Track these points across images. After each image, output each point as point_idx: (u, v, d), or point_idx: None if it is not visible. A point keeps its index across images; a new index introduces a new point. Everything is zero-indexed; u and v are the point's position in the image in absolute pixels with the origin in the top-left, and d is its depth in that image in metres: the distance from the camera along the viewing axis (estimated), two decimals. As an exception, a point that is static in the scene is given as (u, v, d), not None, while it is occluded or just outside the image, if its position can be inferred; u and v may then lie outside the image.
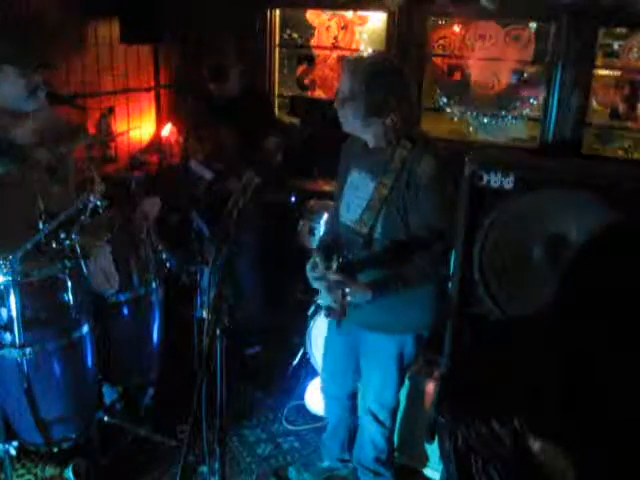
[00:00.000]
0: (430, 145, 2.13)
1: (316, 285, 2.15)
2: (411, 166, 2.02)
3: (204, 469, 2.60)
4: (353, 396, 2.56)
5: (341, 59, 4.95)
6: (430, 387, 2.60)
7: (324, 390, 2.66)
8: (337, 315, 1.97)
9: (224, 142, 3.30)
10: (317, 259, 2.12)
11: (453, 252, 2.17)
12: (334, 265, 2.02)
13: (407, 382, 2.65)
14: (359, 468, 2.57)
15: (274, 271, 3.74)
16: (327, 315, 2.07)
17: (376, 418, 2.40)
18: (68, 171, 2.68)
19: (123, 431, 2.76)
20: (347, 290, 1.96)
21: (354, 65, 2.03)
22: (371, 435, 2.45)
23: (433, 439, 2.30)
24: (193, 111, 3.69)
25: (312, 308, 2.20)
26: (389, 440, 2.50)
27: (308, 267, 2.16)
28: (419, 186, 2.00)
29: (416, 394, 2.64)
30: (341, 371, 2.52)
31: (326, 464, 2.72)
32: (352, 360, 2.44)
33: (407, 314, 2.19)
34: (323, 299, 2.14)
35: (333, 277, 1.99)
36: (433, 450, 2.59)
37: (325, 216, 3.42)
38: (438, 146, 2.15)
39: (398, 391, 2.41)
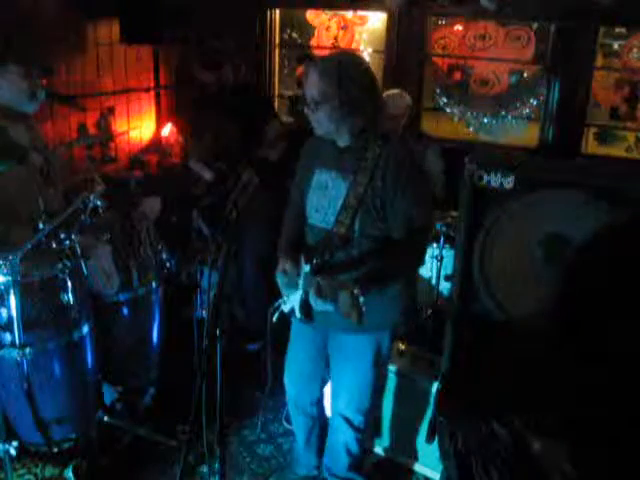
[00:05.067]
0: (402, 142, 2.12)
1: (286, 291, 2.10)
2: (385, 164, 1.99)
3: (204, 469, 2.61)
4: (318, 401, 2.48)
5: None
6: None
7: (290, 399, 2.54)
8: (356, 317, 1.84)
9: (226, 137, 3.27)
10: (286, 265, 2.08)
11: (455, 251, 2.18)
12: (307, 269, 1.97)
13: (402, 381, 2.64)
14: (329, 478, 2.49)
15: (275, 269, 3.75)
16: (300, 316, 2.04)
17: (351, 424, 2.32)
18: (56, 173, 2.69)
19: (123, 431, 2.75)
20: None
21: (322, 66, 1.97)
22: (345, 441, 2.37)
23: (433, 439, 2.30)
24: (193, 110, 3.69)
25: (276, 314, 2.15)
26: (363, 445, 2.42)
27: (278, 274, 2.11)
28: (396, 183, 1.98)
29: (410, 392, 2.63)
30: (308, 377, 2.43)
31: (303, 472, 2.65)
32: (320, 364, 2.37)
33: (384, 310, 2.13)
34: (288, 304, 2.10)
35: (322, 282, 1.89)
36: (433, 450, 2.58)
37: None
38: (409, 141, 2.16)
39: (374, 392, 2.32)
